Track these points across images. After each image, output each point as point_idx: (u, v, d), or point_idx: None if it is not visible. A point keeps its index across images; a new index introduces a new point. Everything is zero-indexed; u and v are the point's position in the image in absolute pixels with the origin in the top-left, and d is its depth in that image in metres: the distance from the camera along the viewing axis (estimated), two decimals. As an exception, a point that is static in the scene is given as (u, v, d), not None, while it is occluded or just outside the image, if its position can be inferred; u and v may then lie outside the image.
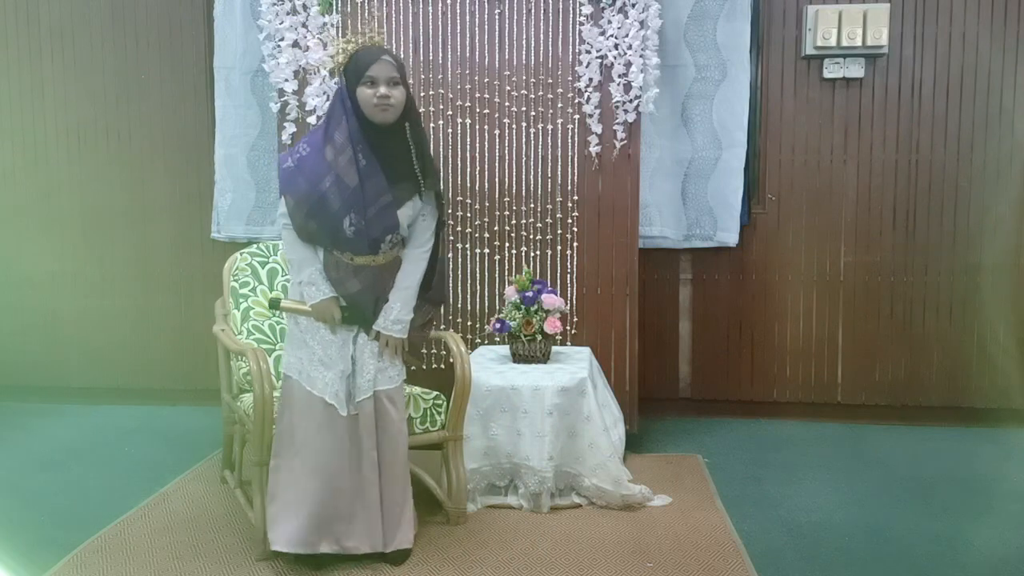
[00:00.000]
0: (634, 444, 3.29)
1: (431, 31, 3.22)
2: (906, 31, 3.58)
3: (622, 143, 3.18)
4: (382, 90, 2.17)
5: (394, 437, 2.33)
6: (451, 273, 3.29)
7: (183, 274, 3.97)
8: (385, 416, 2.32)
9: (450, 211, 3.27)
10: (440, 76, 3.23)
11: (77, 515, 2.69)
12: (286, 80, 3.21)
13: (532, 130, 3.22)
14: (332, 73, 2.36)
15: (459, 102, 3.23)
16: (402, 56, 3.22)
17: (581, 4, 3.15)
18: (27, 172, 4.01)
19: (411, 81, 3.22)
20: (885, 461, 3.23)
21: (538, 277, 3.21)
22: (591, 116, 3.17)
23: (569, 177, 3.22)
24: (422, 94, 3.23)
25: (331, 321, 2.27)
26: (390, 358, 2.33)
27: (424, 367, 3.32)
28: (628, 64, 3.13)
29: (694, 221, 3.68)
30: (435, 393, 2.63)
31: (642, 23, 3.10)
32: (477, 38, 3.21)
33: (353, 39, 2.27)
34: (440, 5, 3.21)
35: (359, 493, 2.28)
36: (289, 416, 2.28)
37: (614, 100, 3.16)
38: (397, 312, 2.31)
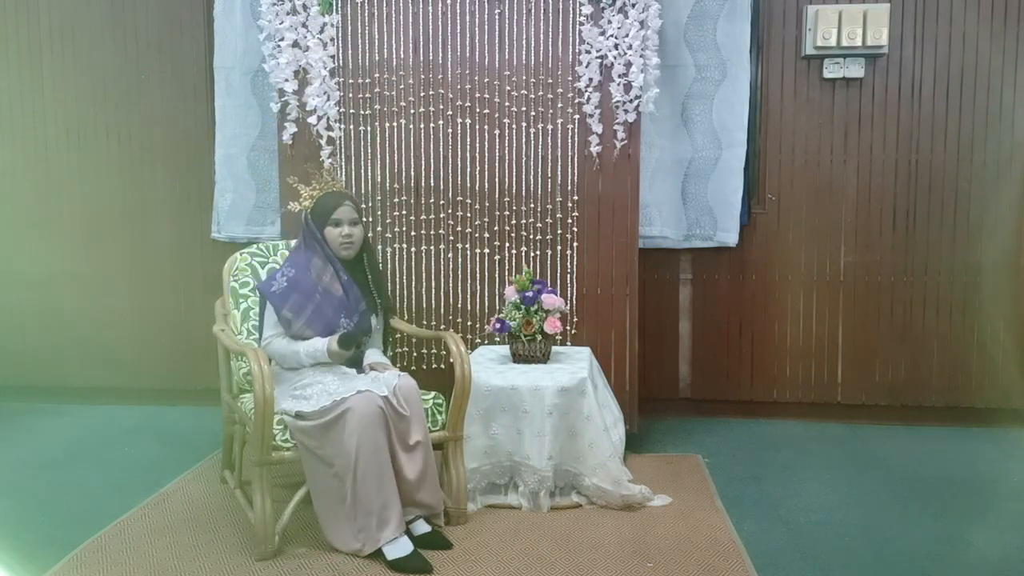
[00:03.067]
0: (634, 444, 3.29)
1: (431, 31, 3.22)
2: (906, 31, 3.58)
3: (622, 143, 3.18)
4: (346, 230, 2.59)
5: (420, 421, 2.46)
6: (451, 273, 3.29)
7: (183, 274, 3.97)
8: (411, 403, 2.44)
9: (450, 211, 3.27)
10: (440, 76, 3.23)
11: (77, 515, 2.69)
12: (286, 80, 3.21)
13: (532, 130, 3.22)
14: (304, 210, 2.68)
15: (459, 102, 3.23)
16: (402, 56, 3.23)
17: (581, 4, 3.15)
18: (27, 172, 4.01)
19: (411, 81, 3.23)
20: (885, 461, 3.23)
21: (538, 277, 3.21)
22: (591, 116, 3.17)
23: (569, 177, 3.22)
24: (422, 94, 3.24)
25: (352, 341, 2.51)
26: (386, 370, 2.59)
27: (424, 367, 3.33)
28: (628, 64, 3.13)
29: (694, 221, 3.68)
30: (435, 393, 2.64)
31: (642, 23, 3.10)
32: (477, 38, 3.21)
33: (318, 186, 2.67)
34: (440, 5, 3.21)
35: (392, 477, 2.38)
36: (338, 435, 2.33)
37: (614, 100, 3.16)
38: (378, 356, 2.72)
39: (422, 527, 2.44)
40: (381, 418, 2.34)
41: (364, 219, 2.72)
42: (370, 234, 3.27)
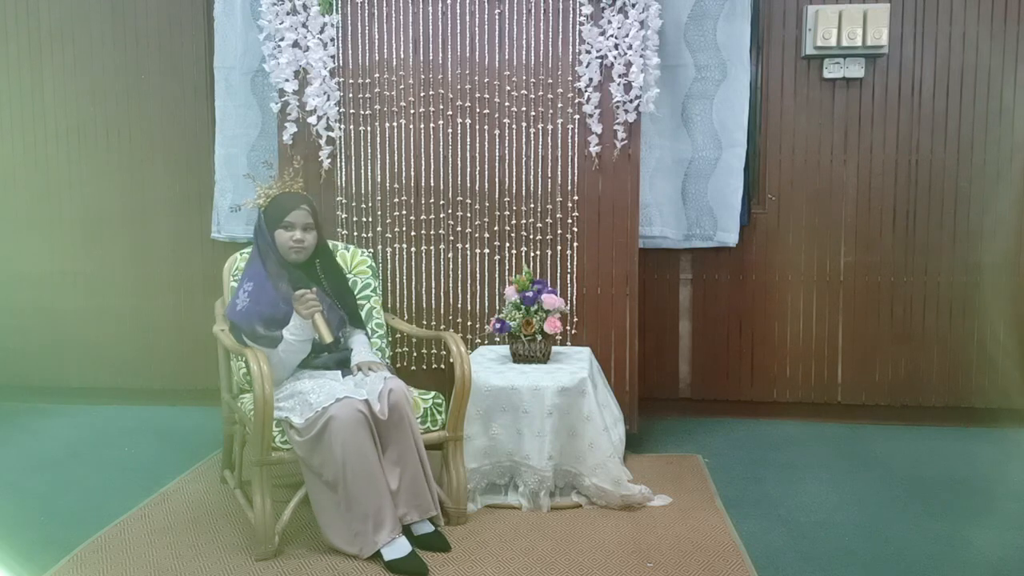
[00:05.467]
0: (634, 444, 3.29)
1: (431, 31, 3.22)
2: (906, 31, 3.58)
3: (622, 143, 3.18)
4: (297, 234, 2.55)
5: (406, 423, 2.43)
6: (451, 273, 3.29)
7: (183, 274, 3.97)
8: (397, 407, 2.42)
9: (450, 211, 3.27)
10: (440, 76, 3.23)
11: (77, 515, 2.69)
12: (286, 80, 3.21)
13: (532, 130, 3.22)
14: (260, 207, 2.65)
15: (459, 102, 3.23)
16: (402, 56, 3.23)
17: (581, 4, 3.15)
18: (27, 172, 4.01)
19: (411, 81, 3.23)
20: (885, 461, 3.23)
21: (538, 277, 3.21)
22: (591, 116, 3.17)
23: (569, 177, 3.22)
24: (422, 94, 3.24)
25: (315, 303, 2.45)
26: (374, 370, 2.55)
27: (424, 367, 3.33)
28: (628, 64, 3.13)
29: (694, 221, 3.68)
30: (434, 393, 2.64)
31: (642, 23, 3.10)
32: (477, 38, 3.21)
33: (275, 185, 2.63)
34: (440, 5, 3.21)
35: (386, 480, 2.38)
36: (328, 442, 2.31)
37: (614, 100, 3.16)
38: (367, 351, 2.69)
39: (424, 527, 2.44)
40: (363, 423, 2.33)
41: (321, 225, 2.67)
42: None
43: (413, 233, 3.29)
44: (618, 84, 3.15)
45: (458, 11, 3.20)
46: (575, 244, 3.24)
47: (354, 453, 2.30)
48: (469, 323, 3.31)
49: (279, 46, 3.21)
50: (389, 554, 2.30)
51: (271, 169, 2.75)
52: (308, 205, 2.60)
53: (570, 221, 3.23)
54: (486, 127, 3.23)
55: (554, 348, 3.06)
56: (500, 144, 3.23)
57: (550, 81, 3.20)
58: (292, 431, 2.37)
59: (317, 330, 2.47)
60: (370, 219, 3.29)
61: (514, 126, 3.22)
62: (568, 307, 3.25)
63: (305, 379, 2.52)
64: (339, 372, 2.58)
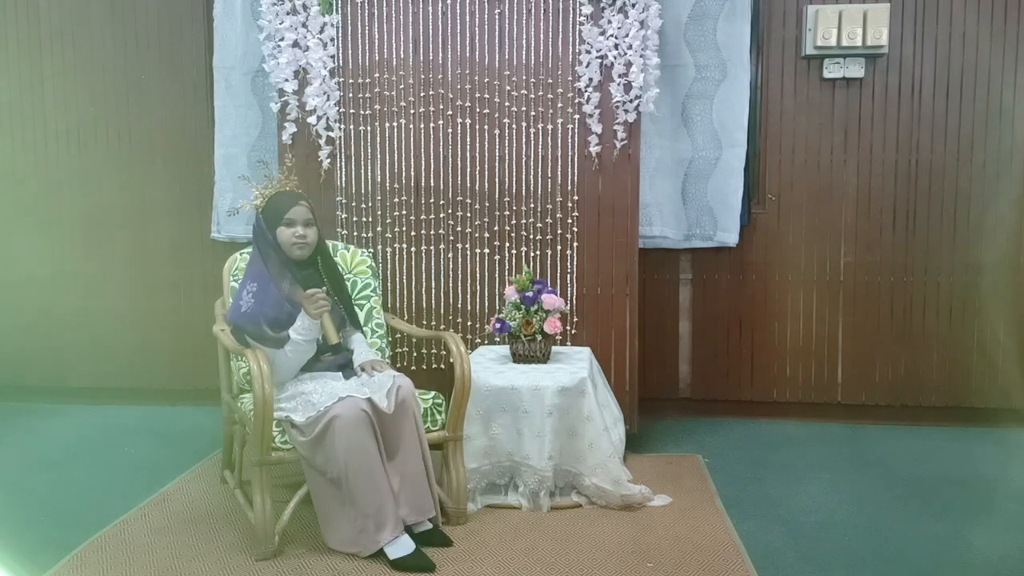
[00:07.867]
0: (634, 444, 3.29)
1: (431, 31, 3.22)
2: (906, 31, 3.58)
3: (622, 143, 3.18)
4: (299, 230, 2.54)
5: (412, 422, 2.45)
6: (451, 273, 3.29)
7: (183, 274, 3.97)
8: (405, 404, 2.43)
9: (450, 211, 3.27)
10: (440, 76, 3.23)
11: (77, 515, 2.69)
12: (286, 80, 3.21)
13: (532, 130, 3.22)
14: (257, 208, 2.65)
15: (459, 102, 3.23)
16: (402, 56, 3.23)
17: (581, 4, 3.15)
18: (27, 172, 4.01)
19: (411, 81, 3.23)
20: (885, 461, 3.23)
21: (538, 277, 3.21)
22: (591, 116, 3.17)
23: (569, 177, 3.22)
24: (422, 94, 3.24)
25: (325, 303, 2.48)
26: (380, 368, 2.57)
27: (424, 367, 3.33)
28: (628, 64, 3.13)
29: (694, 221, 3.68)
30: (434, 393, 2.64)
31: (642, 23, 3.10)
32: (477, 38, 3.21)
33: (271, 185, 2.62)
34: (440, 5, 3.21)
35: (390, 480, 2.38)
36: (332, 441, 2.31)
37: (614, 100, 3.16)
38: (368, 351, 2.72)
39: (423, 525, 2.44)
40: (366, 421, 2.33)
41: (319, 222, 2.65)
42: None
43: (413, 233, 3.29)
44: (618, 84, 3.15)
45: (458, 11, 3.20)
46: (575, 244, 3.24)
47: (357, 453, 2.30)
48: (469, 323, 3.31)
49: (279, 46, 3.21)
50: (394, 552, 2.30)
51: (267, 168, 2.76)
52: (306, 201, 2.60)
53: (570, 221, 3.23)
54: (486, 127, 3.23)
55: (554, 348, 3.06)
56: (500, 144, 3.23)
57: (550, 81, 3.20)
58: (294, 430, 2.37)
59: (325, 330, 2.49)
60: (370, 219, 3.29)
61: (514, 126, 3.22)
62: (568, 307, 3.25)
63: (307, 380, 2.52)
64: (340, 374, 2.57)
